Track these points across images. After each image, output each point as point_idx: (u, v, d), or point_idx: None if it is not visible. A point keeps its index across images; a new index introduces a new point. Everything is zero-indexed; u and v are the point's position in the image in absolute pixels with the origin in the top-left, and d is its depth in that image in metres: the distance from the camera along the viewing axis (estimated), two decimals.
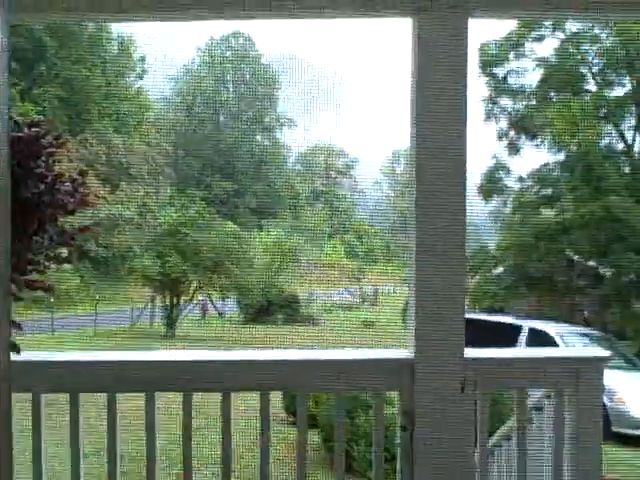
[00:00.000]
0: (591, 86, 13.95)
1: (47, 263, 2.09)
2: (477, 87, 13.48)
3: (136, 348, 11.74)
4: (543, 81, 14.11)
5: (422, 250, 2.30)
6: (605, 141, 13.75)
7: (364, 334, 11.68)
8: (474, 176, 13.23)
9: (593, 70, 13.91)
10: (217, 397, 2.29)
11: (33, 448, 2.21)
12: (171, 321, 13.69)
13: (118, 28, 17.67)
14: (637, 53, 13.35)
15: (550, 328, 11.17)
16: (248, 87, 20.14)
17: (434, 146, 2.32)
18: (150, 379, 2.23)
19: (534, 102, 14.34)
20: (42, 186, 2.01)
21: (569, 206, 12.92)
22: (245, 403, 2.47)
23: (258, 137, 20.43)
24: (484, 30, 13.13)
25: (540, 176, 14.07)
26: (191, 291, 14.26)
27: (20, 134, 2.05)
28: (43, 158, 2.07)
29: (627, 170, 13.62)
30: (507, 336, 10.98)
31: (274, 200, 18.50)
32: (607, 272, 12.73)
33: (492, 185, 14.10)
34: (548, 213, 13.48)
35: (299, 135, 20.54)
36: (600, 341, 11.16)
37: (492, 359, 2.45)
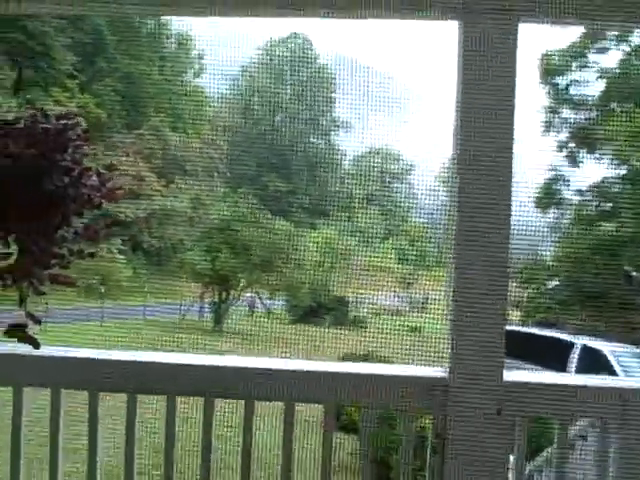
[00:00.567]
0: None
1: (71, 258, 2.03)
2: (537, 96, 13.20)
3: (183, 342, 11.79)
4: (606, 93, 13.72)
5: (461, 263, 2.18)
6: None
7: (410, 341, 11.50)
8: (531, 187, 12.95)
9: None
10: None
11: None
12: (219, 316, 13.72)
13: (177, 26, 17.83)
14: None
15: (604, 347, 10.81)
16: (305, 88, 20.13)
17: (479, 155, 2.19)
18: (170, 382, 2.16)
19: (596, 114, 13.97)
20: (67, 179, 1.95)
21: (629, 221, 12.53)
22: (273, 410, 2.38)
23: (313, 138, 20.41)
24: (546, 39, 12.83)
25: (600, 190, 13.69)
26: (240, 288, 14.27)
27: (47, 126, 2.00)
28: (70, 151, 2.01)
29: None
30: (559, 352, 10.68)
31: (328, 201, 18.44)
32: None
33: (550, 197, 13.77)
34: (607, 227, 13.10)
35: (355, 138, 20.43)
36: None
37: (532, 384, 2.31)
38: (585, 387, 2.32)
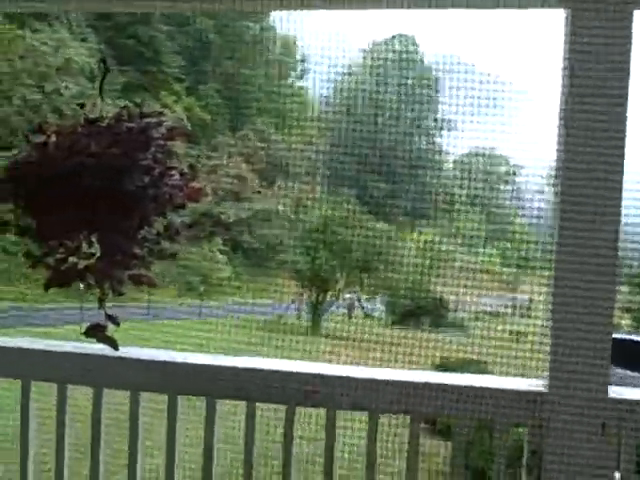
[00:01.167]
0: None
1: (151, 258, 2.01)
2: None
3: (280, 341, 11.86)
4: None
5: (565, 266, 2.02)
6: None
7: (511, 347, 11.15)
8: None
9: None
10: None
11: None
12: (316, 317, 13.74)
13: (281, 29, 18.00)
14: None
15: None
16: (409, 89, 19.92)
17: (587, 154, 2.02)
18: (251, 388, 2.10)
19: None
20: (147, 179, 1.93)
21: None
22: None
23: (416, 139, 20.18)
24: None
25: None
26: (338, 289, 14.24)
27: (130, 124, 1.98)
28: (152, 149, 1.98)
29: None
30: None
31: (430, 203, 18.18)
32: None
33: None
34: None
35: (459, 139, 20.07)
36: None
37: None
38: None
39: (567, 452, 2.04)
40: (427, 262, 15.84)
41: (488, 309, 15.07)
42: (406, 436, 2.15)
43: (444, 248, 16.18)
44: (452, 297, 14.64)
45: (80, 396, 2.21)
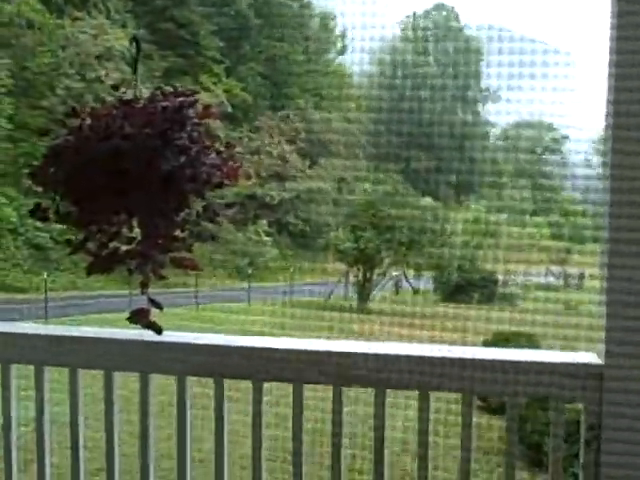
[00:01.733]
0: None
1: (191, 240, 1.96)
2: None
3: (329, 321, 11.88)
4: None
5: (616, 237, 1.92)
6: None
7: (565, 320, 10.95)
8: None
9: None
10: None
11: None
12: (364, 296, 13.70)
13: (320, 4, 17.90)
14: None
15: None
16: (451, 60, 19.64)
17: (635, 122, 1.91)
18: (297, 370, 2.05)
19: None
20: (183, 158, 1.88)
21: None
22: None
23: (460, 112, 19.92)
24: None
25: None
26: (385, 266, 14.16)
27: (164, 103, 1.93)
28: (188, 129, 1.93)
29: None
30: None
31: (476, 176, 17.96)
32: None
33: None
34: None
35: (504, 109, 19.74)
36: None
37: None
38: None
39: (626, 427, 1.95)
40: (475, 236, 15.70)
41: (539, 282, 14.86)
42: (459, 413, 2.08)
43: (492, 221, 15.99)
44: (502, 271, 14.47)
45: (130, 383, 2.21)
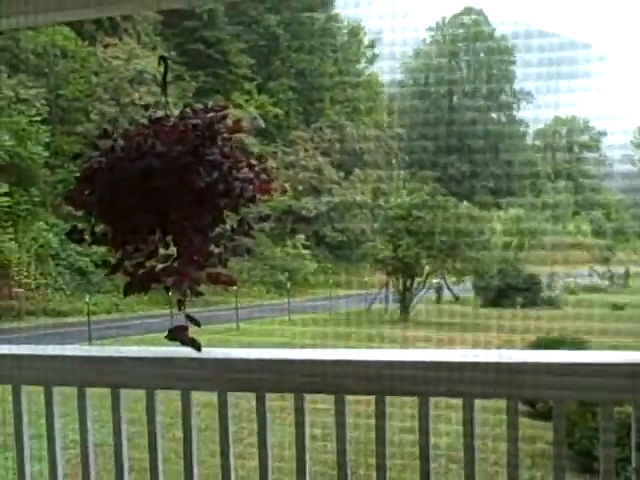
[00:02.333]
0: None
1: (227, 255, 1.96)
2: None
3: (370, 332, 11.82)
4: None
5: None
6: None
7: (612, 320, 10.73)
8: None
9: None
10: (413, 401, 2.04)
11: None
12: (405, 305, 13.60)
13: (347, 15, 17.96)
14: None
15: None
16: (482, 64, 19.54)
17: None
18: (341, 380, 2.03)
19: None
20: (216, 174, 1.87)
21: None
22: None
23: (494, 114, 19.78)
24: None
25: None
26: (425, 274, 14.05)
27: (195, 120, 1.94)
28: (219, 144, 1.93)
29: None
30: None
31: (513, 178, 17.79)
32: None
33: None
34: None
35: (538, 110, 19.55)
36: None
37: None
38: None
39: None
40: (515, 239, 15.52)
41: (583, 283, 14.61)
42: (505, 419, 2.03)
43: (532, 224, 15.80)
44: (544, 273, 14.26)
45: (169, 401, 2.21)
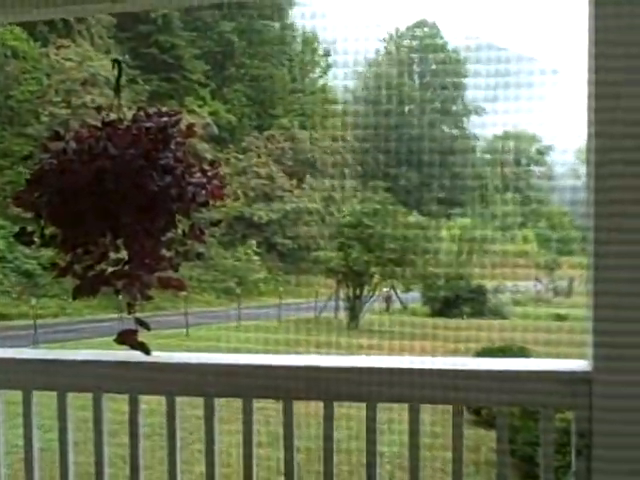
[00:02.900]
0: None
1: (178, 260, 1.96)
2: None
3: (319, 339, 11.86)
4: None
5: (602, 247, 1.93)
6: None
7: (555, 330, 10.97)
8: None
9: None
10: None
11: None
12: (355, 313, 13.68)
13: (302, 24, 18.03)
14: None
15: None
16: (434, 76, 19.79)
17: (618, 130, 1.92)
18: (288, 385, 2.05)
19: None
20: (169, 178, 1.88)
21: None
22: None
23: (445, 127, 20.03)
24: None
25: None
26: (374, 283, 14.16)
27: (148, 124, 1.94)
28: (172, 148, 1.94)
29: None
30: None
31: (462, 189, 18.03)
32: None
33: None
34: None
35: (488, 122, 19.86)
36: None
37: None
38: None
39: (617, 433, 1.96)
40: (463, 250, 15.73)
41: (528, 294, 14.89)
42: (450, 426, 2.07)
43: (479, 234, 16.03)
44: (491, 283, 14.49)
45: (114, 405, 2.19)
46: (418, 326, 12.66)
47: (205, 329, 12.95)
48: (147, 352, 1.97)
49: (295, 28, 18.99)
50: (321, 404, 2.06)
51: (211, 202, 2.00)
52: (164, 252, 1.96)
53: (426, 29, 20.09)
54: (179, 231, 1.98)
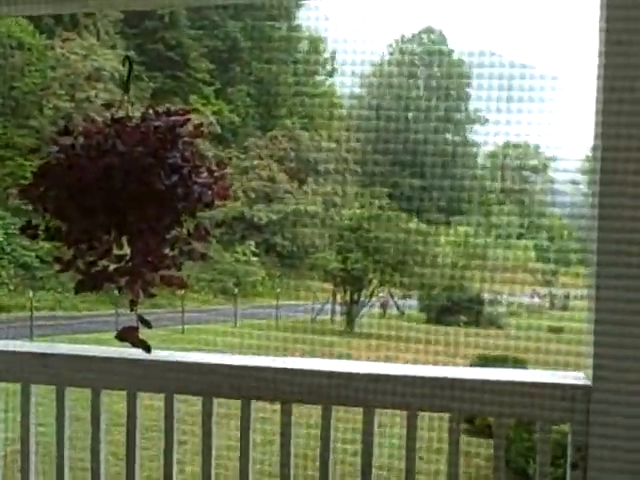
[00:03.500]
0: None
1: (182, 259, 1.97)
2: None
3: (316, 343, 11.85)
4: None
5: (604, 259, 1.93)
6: None
7: (551, 341, 10.98)
8: None
9: None
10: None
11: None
12: (351, 317, 13.68)
13: (309, 27, 18.02)
14: None
15: None
16: (439, 83, 19.80)
17: (623, 143, 1.92)
18: (286, 388, 2.05)
19: None
20: (176, 177, 1.89)
21: None
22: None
23: (448, 134, 20.03)
24: None
25: None
26: (372, 288, 14.16)
27: (157, 122, 1.95)
28: (180, 147, 1.95)
29: None
30: None
31: (463, 198, 18.03)
32: None
33: None
34: None
35: (491, 132, 19.88)
36: None
37: None
38: None
39: (614, 447, 1.96)
40: (462, 258, 15.73)
41: (525, 304, 14.89)
42: (445, 435, 2.08)
43: (479, 243, 16.04)
44: (488, 293, 14.49)
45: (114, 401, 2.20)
46: (413, 332, 12.67)
47: (202, 328, 12.97)
48: (147, 350, 1.97)
49: (301, 30, 18.99)
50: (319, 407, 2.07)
51: (217, 202, 2.01)
52: (168, 251, 1.97)
53: (432, 36, 20.11)
54: (184, 230, 1.99)
